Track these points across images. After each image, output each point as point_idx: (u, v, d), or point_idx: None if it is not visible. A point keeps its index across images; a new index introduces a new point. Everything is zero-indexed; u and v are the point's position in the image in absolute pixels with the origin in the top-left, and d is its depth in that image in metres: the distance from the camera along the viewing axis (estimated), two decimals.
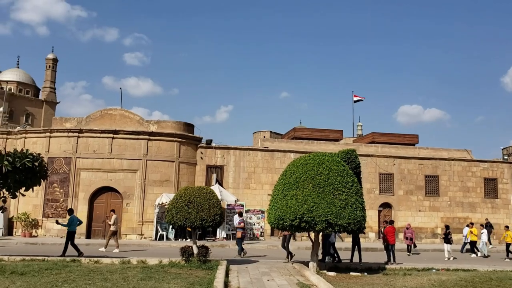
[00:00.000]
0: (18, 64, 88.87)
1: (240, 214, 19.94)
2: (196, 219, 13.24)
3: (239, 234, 18.19)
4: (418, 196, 29.93)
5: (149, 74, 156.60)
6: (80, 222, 17.31)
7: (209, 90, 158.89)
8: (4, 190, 14.31)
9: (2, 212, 22.46)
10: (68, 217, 17.34)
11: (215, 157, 28.01)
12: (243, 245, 18.06)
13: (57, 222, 18.15)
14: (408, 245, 21.47)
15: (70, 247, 16.17)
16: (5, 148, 14.42)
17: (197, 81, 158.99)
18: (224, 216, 20.62)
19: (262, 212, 26.58)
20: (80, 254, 15.65)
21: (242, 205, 26.25)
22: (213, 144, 28.37)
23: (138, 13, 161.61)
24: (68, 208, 24.49)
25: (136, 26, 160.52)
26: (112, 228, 19.08)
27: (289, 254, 16.37)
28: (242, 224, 18.80)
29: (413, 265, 15.36)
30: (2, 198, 14.65)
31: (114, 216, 19.40)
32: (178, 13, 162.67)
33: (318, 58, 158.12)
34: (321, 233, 13.72)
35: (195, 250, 13.60)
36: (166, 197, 24.21)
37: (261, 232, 26.80)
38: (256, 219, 26.87)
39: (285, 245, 16.91)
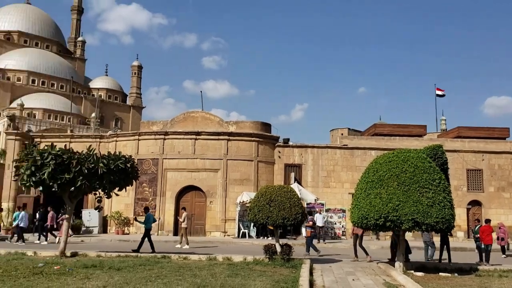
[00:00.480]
0: (106, 72, 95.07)
1: (310, 213, 19.84)
2: (278, 217, 13.41)
3: (308, 232, 18.13)
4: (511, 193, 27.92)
5: (226, 76, 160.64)
6: (155, 220, 18.34)
7: (284, 89, 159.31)
8: (100, 190, 15.43)
9: (98, 211, 24.27)
10: (144, 215, 18.37)
11: (292, 156, 28.11)
12: (315, 244, 17.87)
13: (135, 219, 19.34)
14: (502, 246, 20.09)
15: (146, 243, 16.92)
16: (100, 151, 15.52)
17: (272, 81, 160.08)
18: (306, 215, 20.63)
19: (343, 211, 26.23)
20: (153, 251, 16.39)
21: (322, 204, 26.08)
22: (290, 143, 28.48)
23: (215, 18, 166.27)
24: (154, 206, 25.98)
25: (213, 30, 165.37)
26: (183, 225, 20.14)
27: (362, 253, 15.99)
28: (311, 222, 18.69)
29: (509, 266, 14.36)
30: (98, 198, 15.85)
31: (184, 214, 20.50)
32: (253, 15, 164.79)
33: (396, 51, 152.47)
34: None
35: (278, 248, 13.77)
36: (246, 196, 24.72)
37: (342, 232, 26.45)
38: (337, 218, 26.57)
39: (358, 244, 16.53)
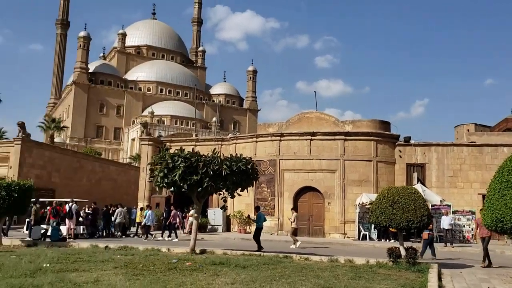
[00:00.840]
0: (224, 78, 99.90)
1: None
2: (402, 220, 12.91)
3: (425, 235, 17.03)
4: None
5: (339, 75, 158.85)
6: (265, 219, 18.82)
7: (402, 84, 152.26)
8: (224, 190, 16.29)
9: (224, 211, 25.55)
10: (256, 213, 19.00)
11: (414, 155, 26.77)
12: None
13: (248, 217, 19.96)
14: None
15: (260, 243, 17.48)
16: (223, 154, 16.39)
17: (388, 77, 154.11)
18: (431, 217, 19.52)
19: (472, 213, 24.30)
20: (260, 248, 16.71)
21: (449, 206, 24.44)
22: (411, 141, 27.15)
23: (327, 17, 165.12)
24: (272, 206, 26.61)
25: (325, 29, 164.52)
26: (293, 225, 20.42)
27: (486, 258, 14.61)
28: (430, 225, 17.50)
29: None
30: (223, 198, 16.74)
31: (294, 214, 20.78)
32: (364, 11, 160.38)
33: None
34: None
35: (403, 252, 13.25)
36: (366, 197, 24.14)
37: (472, 235, 24.49)
38: (465, 221, 24.69)
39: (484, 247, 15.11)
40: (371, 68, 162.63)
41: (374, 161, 26.21)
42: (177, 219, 25.41)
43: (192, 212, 25.88)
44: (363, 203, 24.33)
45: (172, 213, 23.90)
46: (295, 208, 22.11)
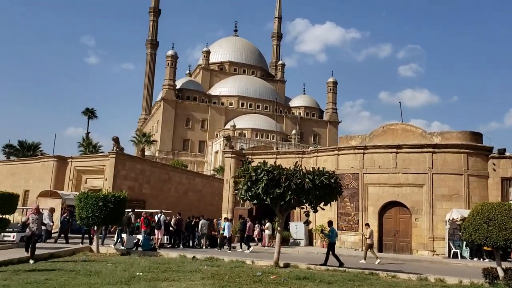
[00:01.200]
0: (304, 90, 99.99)
1: None
2: (499, 238, 12.07)
3: None
4: None
5: (425, 84, 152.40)
6: (337, 235, 18.81)
7: (494, 92, 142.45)
8: (306, 204, 16.25)
9: (307, 225, 25.47)
10: (328, 228, 18.73)
11: (510, 169, 24.84)
12: None
13: (321, 232, 19.70)
14: None
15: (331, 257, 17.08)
16: (304, 167, 16.37)
17: (479, 85, 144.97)
18: None
19: None
20: (326, 262, 16.32)
21: None
22: (507, 154, 25.25)
23: (409, 25, 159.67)
24: (356, 221, 26.01)
25: (408, 38, 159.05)
26: (368, 241, 20.14)
27: None
28: None
29: None
30: (306, 212, 16.71)
31: (369, 230, 20.52)
32: (449, 19, 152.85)
33: None
34: None
35: (501, 273, 12.34)
36: (456, 213, 22.82)
37: None
38: None
39: None
40: (459, 76, 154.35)
41: (465, 174, 24.72)
42: (255, 231, 25.73)
43: (268, 225, 26.14)
44: (453, 219, 23.01)
45: (248, 225, 24.26)
46: (368, 224, 21.58)
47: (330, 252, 17.42)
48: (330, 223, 19.14)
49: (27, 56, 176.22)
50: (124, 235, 21.81)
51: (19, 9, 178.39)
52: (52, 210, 23.36)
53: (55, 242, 21.86)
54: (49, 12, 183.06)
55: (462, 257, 22.91)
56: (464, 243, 22.32)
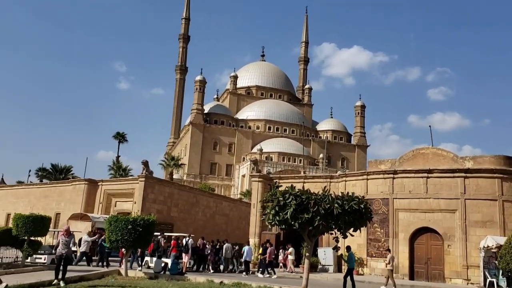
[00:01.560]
0: (331, 114, 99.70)
1: None
2: None
3: None
4: None
5: (455, 107, 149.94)
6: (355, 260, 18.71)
7: None
8: (335, 230, 15.99)
9: (336, 251, 25.08)
10: (346, 254, 18.51)
11: None
12: None
13: (335, 248, 19.75)
14: None
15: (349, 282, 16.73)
16: (333, 192, 16.17)
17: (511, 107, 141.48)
18: None
19: None
20: None
21: None
22: None
23: (438, 48, 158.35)
24: (386, 247, 25.40)
25: (438, 61, 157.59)
26: (389, 267, 19.94)
27: None
28: None
29: None
30: (335, 238, 16.43)
31: (389, 256, 20.37)
32: (478, 41, 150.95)
33: None
34: None
35: None
36: (491, 240, 22.04)
37: None
38: None
39: None
40: (491, 98, 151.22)
41: (499, 200, 23.95)
42: (280, 256, 25.39)
43: (290, 250, 25.84)
44: (488, 246, 22.21)
45: (269, 250, 24.03)
46: (389, 249, 21.18)
47: (349, 277, 17.41)
48: (348, 248, 18.92)
49: (62, 82, 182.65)
50: (147, 258, 21.93)
51: (53, 33, 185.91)
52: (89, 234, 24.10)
53: (97, 265, 22.52)
54: (82, 37, 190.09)
55: (498, 286, 21.99)
56: (501, 271, 21.47)
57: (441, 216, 24.69)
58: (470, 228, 23.94)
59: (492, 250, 21.85)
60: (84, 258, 23.10)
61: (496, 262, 21.47)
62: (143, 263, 23.93)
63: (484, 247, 22.57)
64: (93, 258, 24.03)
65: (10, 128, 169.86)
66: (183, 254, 22.85)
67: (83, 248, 22.97)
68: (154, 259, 22.29)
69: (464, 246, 23.80)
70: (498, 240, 21.59)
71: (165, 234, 24.91)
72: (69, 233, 15.68)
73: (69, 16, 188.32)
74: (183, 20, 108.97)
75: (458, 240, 23.99)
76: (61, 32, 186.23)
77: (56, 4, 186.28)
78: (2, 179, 57.14)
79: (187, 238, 23.70)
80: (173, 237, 23.70)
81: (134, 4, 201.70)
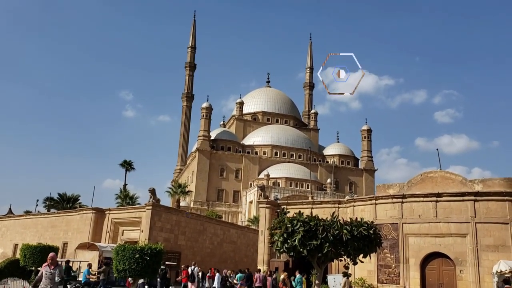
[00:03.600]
0: (338, 138, 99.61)
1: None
2: None
3: None
4: None
5: (463, 129, 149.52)
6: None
7: None
8: (345, 257, 15.80)
9: (347, 278, 24.73)
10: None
11: None
12: None
13: (345, 275, 19.17)
14: None
15: None
16: (342, 218, 16.05)
17: None
18: None
19: None
20: None
21: None
22: None
23: (444, 71, 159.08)
24: (397, 273, 25.00)
25: (444, 83, 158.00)
26: None
27: None
28: None
29: None
30: (345, 265, 16.23)
31: None
32: (485, 62, 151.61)
33: None
34: None
35: None
36: (504, 265, 21.60)
37: None
38: None
39: None
40: (499, 120, 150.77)
41: (511, 223, 23.60)
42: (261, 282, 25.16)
43: (298, 277, 25.44)
44: (501, 271, 21.75)
45: (255, 276, 23.85)
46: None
47: None
48: (344, 274, 18.77)
49: (69, 110, 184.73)
50: None
51: (60, 63, 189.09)
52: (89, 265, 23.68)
53: None
54: (89, 67, 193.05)
55: None
56: None
57: (452, 241, 24.32)
58: (482, 252, 23.54)
59: (506, 275, 21.38)
60: None
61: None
62: None
63: (497, 271, 22.12)
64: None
65: (17, 158, 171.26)
66: (189, 283, 22.59)
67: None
68: None
69: (476, 271, 23.34)
70: (511, 264, 21.16)
71: (167, 263, 24.73)
72: (55, 263, 12.45)
73: (75, 45, 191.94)
74: (189, 48, 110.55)
75: (470, 265, 23.55)
76: (68, 62, 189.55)
77: (64, 33, 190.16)
78: (10, 209, 57.31)
79: (192, 267, 23.47)
80: (182, 266, 23.47)
81: (140, 33, 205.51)
